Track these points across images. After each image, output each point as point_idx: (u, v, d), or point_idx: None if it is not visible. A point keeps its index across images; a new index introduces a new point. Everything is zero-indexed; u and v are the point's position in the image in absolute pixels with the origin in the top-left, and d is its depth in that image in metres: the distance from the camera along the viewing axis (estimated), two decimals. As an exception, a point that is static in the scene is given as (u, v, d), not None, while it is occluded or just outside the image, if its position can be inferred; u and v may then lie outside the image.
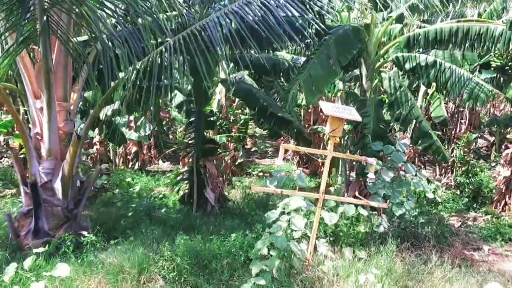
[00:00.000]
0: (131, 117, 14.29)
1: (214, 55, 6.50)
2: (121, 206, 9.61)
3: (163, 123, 17.17)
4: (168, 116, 17.59)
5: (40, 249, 6.25)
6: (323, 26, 7.30)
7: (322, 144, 12.90)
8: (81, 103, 9.28)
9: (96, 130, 10.80)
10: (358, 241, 6.51)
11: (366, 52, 8.79)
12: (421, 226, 7.63)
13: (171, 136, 18.49)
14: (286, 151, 18.33)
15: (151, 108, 12.38)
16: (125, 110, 8.62)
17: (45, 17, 5.64)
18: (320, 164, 13.43)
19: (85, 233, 7.01)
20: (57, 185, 6.95)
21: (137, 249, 6.21)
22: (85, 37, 7.22)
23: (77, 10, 6.12)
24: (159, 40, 7.24)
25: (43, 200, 6.90)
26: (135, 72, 6.81)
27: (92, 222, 7.85)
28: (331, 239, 6.45)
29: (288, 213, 5.80)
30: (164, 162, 16.82)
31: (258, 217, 8.75)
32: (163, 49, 6.55)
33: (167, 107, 17.31)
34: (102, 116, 9.86)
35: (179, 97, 11.11)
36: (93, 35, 5.97)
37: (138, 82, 6.90)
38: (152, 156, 16.55)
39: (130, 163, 15.19)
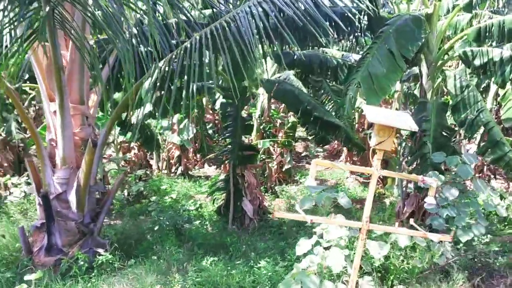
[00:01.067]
0: (174, 120, 13.67)
1: (251, 52, 5.59)
2: (152, 216, 8.89)
3: (209, 125, 16.45)
4: (214, 118, 16.88)
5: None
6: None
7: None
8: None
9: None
10: (414, 277, 5.32)
11: (427, 47, 7.51)
12: (495, 256, 6.23)
13: (219, 139, 17.81)
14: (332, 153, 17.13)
15: (191, 110, 11.79)
16: (159, 113, 7.87)
17: (48, 8, 4.95)
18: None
19: (101, 251, 6.30)
20: (72, 197, 6.28)
21: (150, 275, 5.37)
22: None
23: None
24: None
25: (56, 213, 6.24)
26: (158, 71, 6.06)
27: (112, 237, 7.14)
28: (379, 274, 5.30)
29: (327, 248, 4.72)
30: (210, 166, 16.13)
31: (301, 235, 7.73)
32: (191, 45, 5.71)
33: (215, 109, 16.64)
34: (134, 119, 9.21)
35: (222, 99, 10.28)
36: (111, 32, 5.18)
37: (170, 83, 6.11)
38: (198, 160, 15.90)
39: (174, 168, 14.58)
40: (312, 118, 8.34)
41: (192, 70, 5.54)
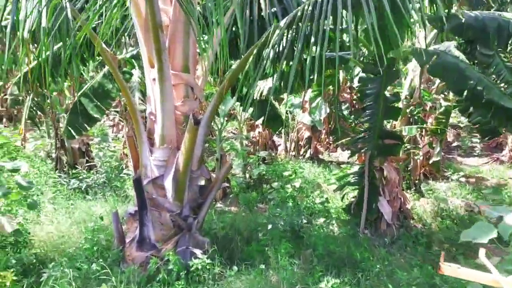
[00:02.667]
0: (306, 97, 12.22)
1: (403, 14, 3.96)
2: (269, 208, 7.63)
3: (344, 106, 14.70)
4: (351, 97, 15.06)
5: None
6: None
7: None
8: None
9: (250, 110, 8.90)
10: None
11: None
12: None
13: (355, 122, 15.97)
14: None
15: (324, 87, 10.21)
16: (287, 87, 6.48)
17: None
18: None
19: (198, 252, 5.15)
20: (168, 183, 5.21)
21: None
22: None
23: None
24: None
25: (150, 201, 5.24)
26: (278, 32, 4.64)
27: (217, 231, 6.01)
28: None
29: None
30: (343, 150, 14.45)
31: (459, 254, 5.86)
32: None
33: (353, 87, 14.79)
34: (256, 95, 7.96)
35: (363, 74, 8.50)
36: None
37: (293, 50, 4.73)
38: (330, 143, 14.33)
39: (302, 150, 13.22)
40: (482, 102, 6.20)
41: (320, 34, 4.04)
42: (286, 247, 5.54)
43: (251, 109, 8.42)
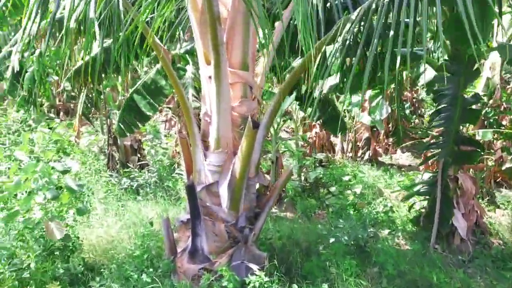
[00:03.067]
0: (366, 96, 11.51)
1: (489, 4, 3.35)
2: (328, 216, 7.09)
3: (407, 105, 13.85)
4: (411, 96, 14.18)
5: None
6: None
7: None
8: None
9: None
10: None
11: None
12: None
13: (416, 121, 15.04)
14: None
15: (387, 85, 9.49)
16: (348, 86, 5.90)
17: None
18: None
19: (255, 267, 4.69)
20: (224, 191, 4.77)
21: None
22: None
23: None
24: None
25: (203, 210, 4.83)
26: (349, 27, 4.09)
27: (274, 242, 5.53)
28: None
29: None
30: (403, 152, 13.61)
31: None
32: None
33: (416, 85, 13.90)
34: (316, 93, 7.40)
35: (430, 72, 7.74)
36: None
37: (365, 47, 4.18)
38: (389, 144, 13.51)
39: (360, 152, 12.51)
40: None
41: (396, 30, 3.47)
42: (351, 264, 4.97)
43: (309, 109, 7.87)
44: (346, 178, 8.57)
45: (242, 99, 4.83)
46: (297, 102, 7.83)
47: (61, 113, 18.50)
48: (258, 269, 4.65)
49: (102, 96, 9.42)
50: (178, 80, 4.96)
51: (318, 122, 10.17)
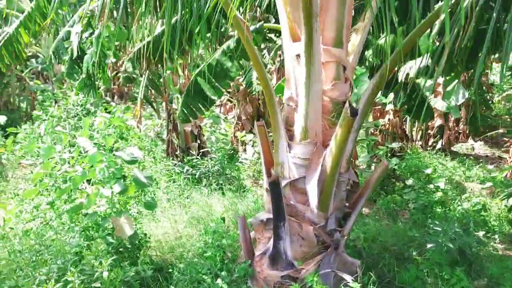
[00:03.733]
0: (439, 80, 10.53)
1: None
2: (412, 215, 6.33)
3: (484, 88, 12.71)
4: (486, 79, 13.01)
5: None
6: None
7: None
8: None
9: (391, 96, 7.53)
10: None
11: None
12: None
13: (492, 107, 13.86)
14: None
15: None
16: (442, 69, 5.08)
17: None
18: None
19: (348, 278, 4.04)
20: (312, 188, 4.12)
21: None
22: None
23: None
24: None
25: (288, 209, 4.21)
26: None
27: (360, 249, 4.85)
28: None
29: None
30: (475, 141, 12.53)
31: None
32: None
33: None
34: (401, 76, 6.62)
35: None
36: None
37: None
38: (461, 132, 12.46)
39: (431, 141, 11.57)
40: None
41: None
42: (460, 277, 4.23)
43: (391, 95, 7.10)
44: (428, 170, 7.70)
45: (335, 81, 4.14)
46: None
47: (116, 97, 18.44)
48: (352, 279, 4.00)
49: (161, 80, 8.95)
50: (260, 60, 4.32)
51: (394, 108, 9.35)
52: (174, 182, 7.47)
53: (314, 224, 4.15)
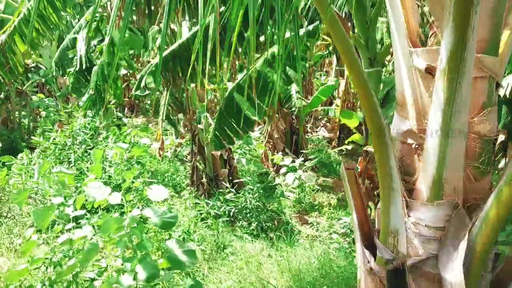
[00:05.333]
0: None
1: None
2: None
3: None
4: None
5: None
6: None
7: None
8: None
9: None
10: None
11: None
12: None
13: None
14: None
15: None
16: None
17: None
18: None
19: None
20: (451, 274, 2.62)
21: None
22: None
23: None
24: None
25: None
26: None
27: None
28: None
29: None
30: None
31: None
32: None
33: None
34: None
35: None
36: None
37: None
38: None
39: None
40: None
41: None
42: None
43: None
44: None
45: (485, 107, 2.65)
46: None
47: (126, 109, 17.05)
48: None
49: (184, 95, 7.48)
50: (362, 68, 2.83)
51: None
52: (202, 221, 5.99)
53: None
